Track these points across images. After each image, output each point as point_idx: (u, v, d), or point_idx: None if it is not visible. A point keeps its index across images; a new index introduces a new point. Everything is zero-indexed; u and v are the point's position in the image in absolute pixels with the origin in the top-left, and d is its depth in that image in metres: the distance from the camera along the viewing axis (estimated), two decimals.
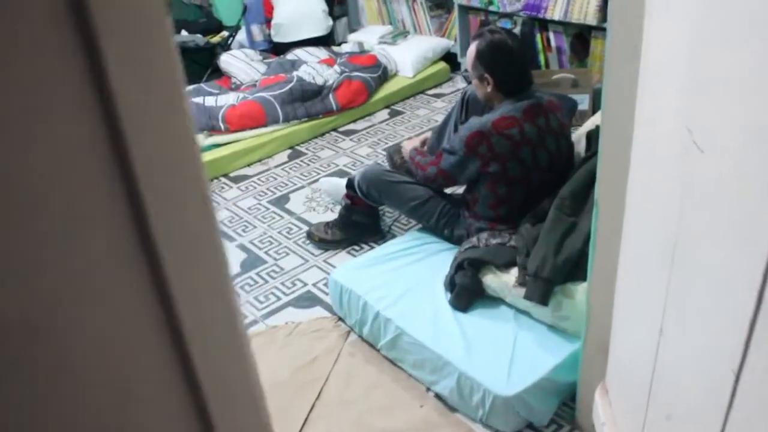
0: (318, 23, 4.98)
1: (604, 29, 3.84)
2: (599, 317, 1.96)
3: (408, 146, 2.96)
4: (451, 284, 2.40)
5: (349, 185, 2.95)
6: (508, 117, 2.47)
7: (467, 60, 2.59)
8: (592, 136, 2.62)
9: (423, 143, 3.04)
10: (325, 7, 5.01)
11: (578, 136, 2.81)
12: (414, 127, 4.16)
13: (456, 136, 2.58)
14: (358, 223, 3.02)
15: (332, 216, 3.22)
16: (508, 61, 2.51)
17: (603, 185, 1.72)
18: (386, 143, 4.00)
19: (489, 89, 2.53)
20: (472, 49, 2.54)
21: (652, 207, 1.37)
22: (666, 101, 1.22)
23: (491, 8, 4.42)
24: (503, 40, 2.49)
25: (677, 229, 1.16)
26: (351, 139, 4.10)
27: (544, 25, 4.23)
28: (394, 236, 3.06)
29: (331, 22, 5.05)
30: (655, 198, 1.34)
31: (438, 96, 4.61)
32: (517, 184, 2.51)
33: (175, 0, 5.24)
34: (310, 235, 3.12)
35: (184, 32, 5.12)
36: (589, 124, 2.83)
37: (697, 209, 1.08)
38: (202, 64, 5.20)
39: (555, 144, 2.54)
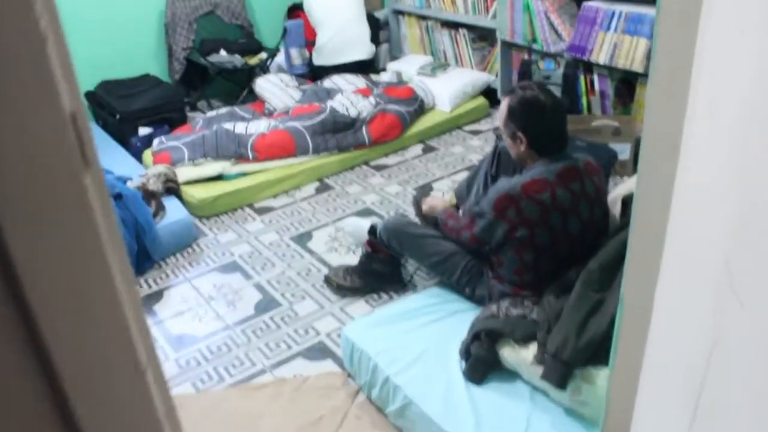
0: (361, 48, 4.91)
1: None
2: (620, 408, 1.81)
3: (437, 206, 2.84)
4: (466, 352, 2.28)
5: (372, 232, 2.85)
6: (539, 180, 2.35)
7: (499, 117, 2.48)
8: (628, 202, 2.47)
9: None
10: (369, 32, 4.93)
11: (614, 198, 2.67)
12: (447, 166, 4.05)
13: (485, 198, 2.47)
14: (379, 272, 2.91)
15: (353, 259, 3.11)
16: (542, 119, 2.39)
17: (630, 283, 1.58)
18: (417, 182, 3.89)
19: (522, 148, 2.41)
20: (504, 105, 2.43)
21: (682, 325, 1.24)
22: (703, 226, 1.08)
23: (534, 46, 4.29)
24: (536, 97, 2.37)
25: (705, 373, 1.03)
26: (381, 175, 4.00)
27: (589, 67, 4.08)
28: (415, 286, 2.95)
29: (374, 48, 4.97)
30: (684, 319, 1.21)
31: (475, 133, 4.49)
32: (545, 251, 2.38)
33: (216, 19, 5.21)
34: (328, 280, 3.02)
35: (223, 52, 5.08)
36: (626, 187, 2.69)
37: (727, 360, 0.95)
38: (240, 85, 5.16)
39: (588, 211, 2.41)
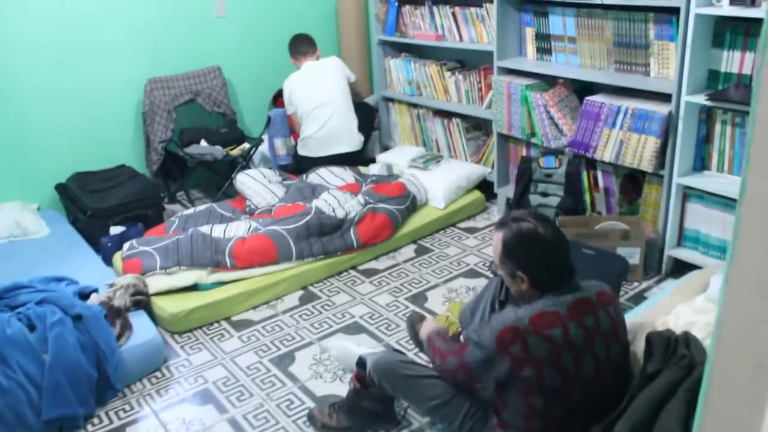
0: (349, 140, 4.64)
1: (659, 175, 3.43)
2: None
3: (429, 326, 2.52)
4: None
5: (360, 363, 2.51)
6: (550, 313, 2.03)
7: (494, 253, 2.18)
8: (653, 340, 2.16)
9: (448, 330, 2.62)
10: (356, 122, 4.66)
11: (634, 329, 2.36)
12: (442, 270, 3.73)
13: (486, 327, 2.13)
14: (369, 410, 2.56)
15: (340, 387, 2.78)
16: (543, 255, 2.09)
17: None
18: (410, 290, 3.57)
19: (524, 287, 2.11)
20: (498, 242, 2.13)
21: None
22: None
23: (533, 140, 4.04)
24: (533, 231, 2.08)
25: None
26: (371, 282, 3.68)
27: (592, 162, 3.83)
28: (409, 423, 2.60)
29: (362, 139, 4.70)
30: None
31: (470, 231, 4.20)
32: (555, 395, 2.05)
33: (197, 107, 4.96)
34: (312, 418, 2.67)
35: (203, 142, 4.81)
36: (651, 323, 2.38)
37: None
38: (222, 175, 4.88)
39: (605, 349, 2.09)
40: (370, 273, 3.78)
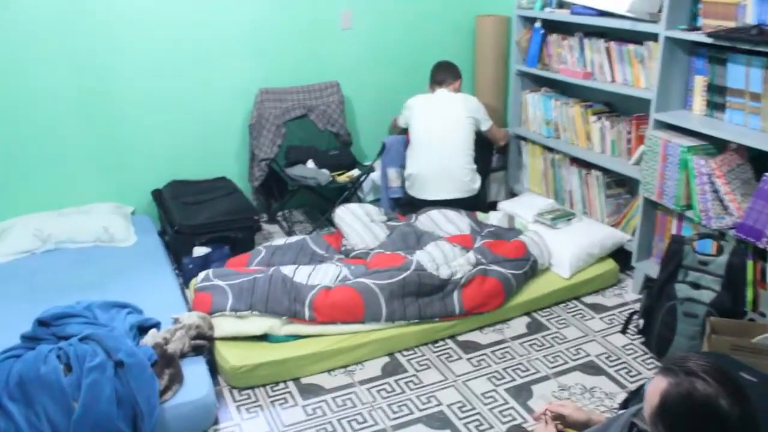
0: (459, 184, 4.04)
1: None
2: None
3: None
4: None
5: None
6: None
7: (646, 401, 1.54)
8: None
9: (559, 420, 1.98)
10: (471, 164, 4.06)
11: None
12: (555, 358, 3.10)
13: None
14: None
15: None
16: None
17: None
18: (513, 378, 2.95)
19: None
20: (656, 394, 1.49)
21: None
22: None
23: (689, 214, 3.32)
24: (711, 403, 1.42)
25: None
26: (470, 359, 3.09)
27: (761, 252, 3.08)
28: None
29: (477, 184, 4.11)
30: None
31: (597, 309, 3.52)
32: None
33: (309, 124, 4.54)
34: None
35: (310, 163, 4.38)
36: None
37: None
38: (328, 199, 4.44)
39: None
40: (470, 347, 3.19)
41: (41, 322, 2.83)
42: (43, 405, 2.42)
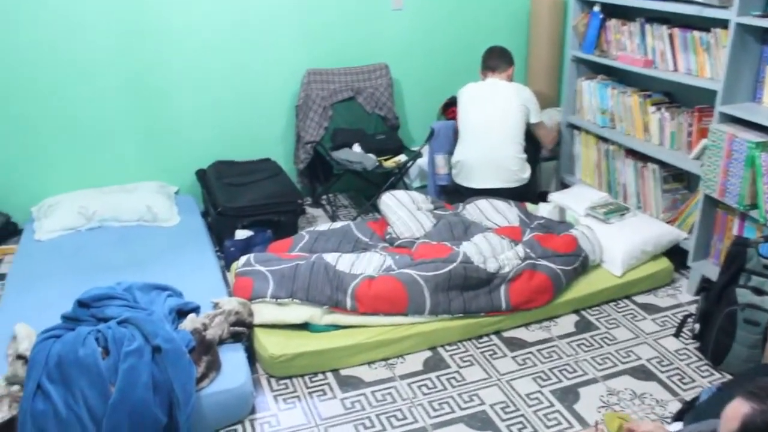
0: (507, 173, 3.90)
1: None
2: None
3: None
4: None
5: None
6: None
7: (723, 422, 1.42)
8: None
9: None
10: (521, 153, 3.91)
11: None
12: (604, 360, 2.97)
13: None
14: None
15: None
16: None
17: None
18: (559, 379, 2.84)
19: None
20: (736, 418, 1.38)
21: None
22: None
23: (753, 214, 3.15)
24: None
25: None
26: (515, 357, 2.99)
27: None
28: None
29: (527, 174, 3.96)
30: None
31: (649, 310, 3.38)
32: None
33: (356, 107, 4.44)
34: None
35: (356, 147, 4.29)
36: None
37: None
38: (374, 183, 4.35)
39: None
40: (515, 344, 3.08)
41: (81, 303, 2.80)
42: (81, 388, 2.39)
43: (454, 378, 2.86)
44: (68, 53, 3.90)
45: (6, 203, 4.15)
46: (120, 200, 3.98)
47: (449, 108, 4.61)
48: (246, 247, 3.69)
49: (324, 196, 4.68)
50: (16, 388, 2.47)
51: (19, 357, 2.57)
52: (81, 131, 4.09)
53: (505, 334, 3.16)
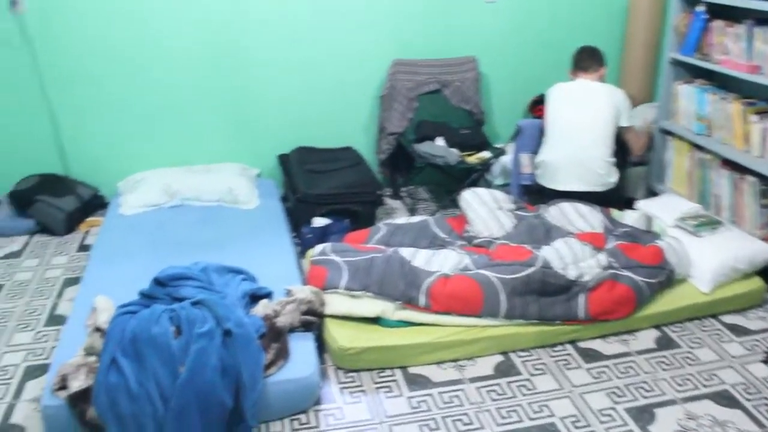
0: (594, 176, 3.75)
1: None
2: None
3: None
4: None
5: None
6: None
7: None
8: None
9: None
10: (610, 157, 3.76)
11: None
12: (685, 382, 2.83)
13: None
14: None
15: None
16: None
17: None
18: (635, 397, 2.72)
19: None
20: None
21: None
22: None
23: None
24: None
25: None
26: (589, 370, 2.88)
27: None
28: None
29: (614, 179, 3.81)
30: None
31: (736, 331, 3.20)
32: None
33: (442, 100, 4.37)
34: None
35: (440, 141, 4.23)
36: None
37: None
38: (456, 178, 4.28)
39: None
40: (590, 356, 2.97)
41: (158, 282, 2.85)
42: (152, 365, 2.43)
43: (524, 386, 2.78)
44: (157, 38, 4.00)
45: (95, 177, 4.28)
46: (203, 180, 4.04)
47: (537, 106, 4.50)
48: (323, 235, 3.69)
49: (404, 189, 4.64)
50: (92, 359, 2.53)
51: (97, 329, 2.63)
52: (168, 112, 4.18)
53: (581, 345, 3.05)
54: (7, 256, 3.82)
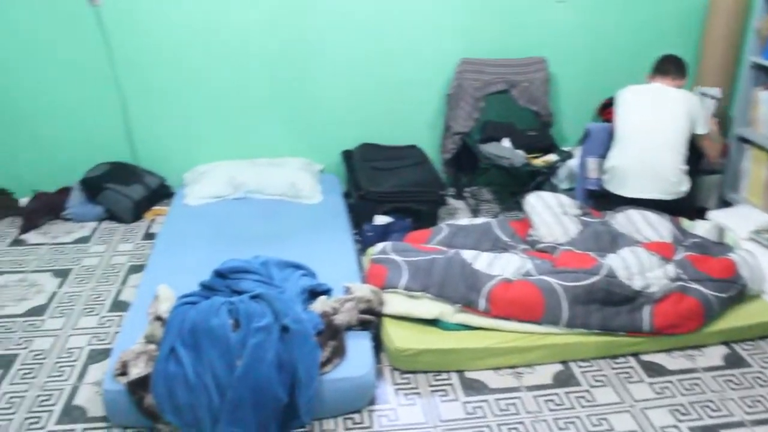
0: (665, 184, 3.61)
1: None
2: None
3: None
4: None
5: None
6: None
7: None
8: None
9: None
10: (682, 164, 3.62)
11: None
12: (756, 402, 2.71)
13: None
14: None
15: None
16: None
17: None
18: (700, 416, 2.62)
19: None
20: None
21: None
22: None
23: None
24: None
25: None
26: (652, 385, 2.79)
27: None
28: None
29: (685, 187, 3.67)
30: None
31: None
32: None
33: (509, 100, 4.30)
34: None
35: (505, 142, 4.16)
36: None
37: None
38: (520, 181, 4.21)
39: None
40: (654, 370, 2.88)
41: (219, 274, 2.87)
42: (210, 357, 2.45)
43: (584, 397, 2.71)
44: (228, 34, 4.05)
45: (162, 166, 4.36)
46: (266, 174, 4.07)
47: (606, 109, 4.39)
48: (384, 233, 3.67)
49: (467, 189, 4.59)
50: (152, 347, 2.56)
51: (158, 318, 2.66)
52: (234, 105, 4.23)
53: (644, 358, 2.95)
54: (77, 241, 3.92)
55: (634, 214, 3.57)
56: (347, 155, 4.35)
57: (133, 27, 3.98)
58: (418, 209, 3.83)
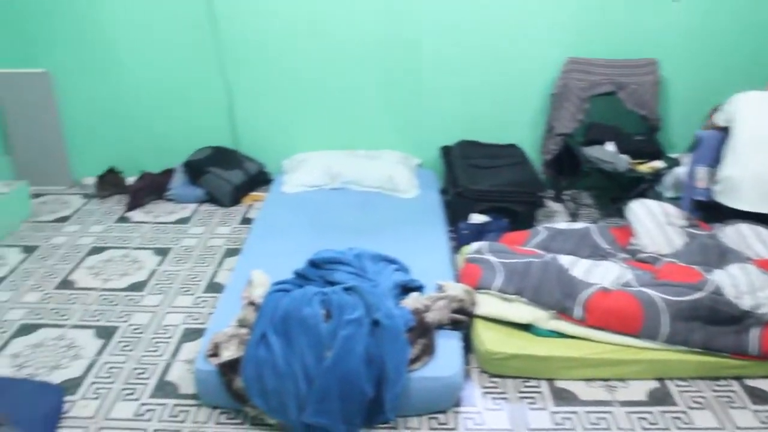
0: None
1: None
2: None
3: None
4: None
5: None
6: None
7: None
8: None
9: None
10: None
11: None
12: None
13: None
14: None
15: None
16: None
17: None
18: None
19: None
20: None
21: None
22: None
23: None
24: None
25: None
26: (756, 412, 2.63)
27: None
28: None
29: None
30: None
31: None
32: None
33: (616, 102, 4.15)
34: None
35: (609, 145, 4.03)
36: None
37: None
38: (622, 187, 4.07)
39: None
40: (759, 397, 2.72)
41: (313, 263, 2.89)
42: (300, 346, 2.46)
43: (680, 419, 2.58)
44: (333, 28, 4.08)
45: (262, 153, 4.44)
46: (364, 165, 4.08)
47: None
48: (480, 232, 3.62)
49: (567, 192, 4.47)
50: (244, 331, 2.60)
51: (252, 303, 2.70)
52: (336, 96, 4.26)
53: (749, 383, 2.79)
54: (177, 221, 4.04)
55: (745, 229, 3.39)
56: (446, 151, 4.31)
57: (241, 16, 4.06)
58: (515, 210, 3.75)
